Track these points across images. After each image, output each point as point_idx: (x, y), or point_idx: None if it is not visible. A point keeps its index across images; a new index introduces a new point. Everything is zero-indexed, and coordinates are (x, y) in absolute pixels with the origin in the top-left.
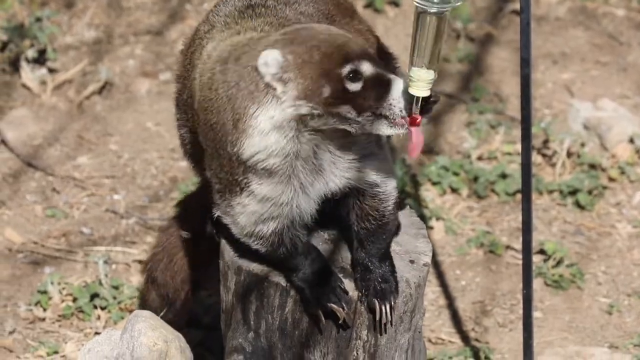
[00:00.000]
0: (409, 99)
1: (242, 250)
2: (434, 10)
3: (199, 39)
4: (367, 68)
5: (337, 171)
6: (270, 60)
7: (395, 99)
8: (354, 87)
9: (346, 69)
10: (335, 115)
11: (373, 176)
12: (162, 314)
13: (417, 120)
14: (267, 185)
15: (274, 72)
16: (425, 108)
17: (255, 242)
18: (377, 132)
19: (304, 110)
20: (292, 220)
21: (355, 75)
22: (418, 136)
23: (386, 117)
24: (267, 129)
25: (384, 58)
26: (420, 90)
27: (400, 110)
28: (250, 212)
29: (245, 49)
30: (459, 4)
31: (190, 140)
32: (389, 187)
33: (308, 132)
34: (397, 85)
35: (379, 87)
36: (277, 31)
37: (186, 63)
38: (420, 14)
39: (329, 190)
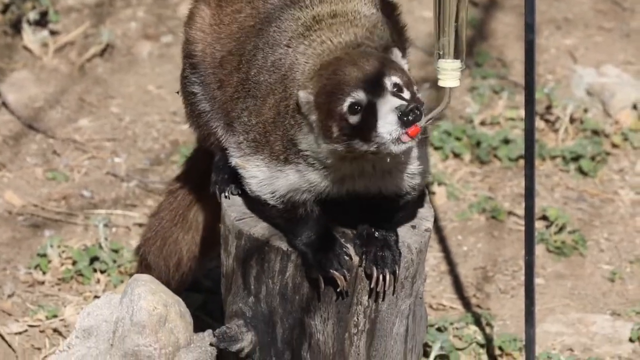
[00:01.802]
0: (401, 108)
1: (253, 204)
2: None
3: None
4: (361, 97)
5: (381, 181)
6: (300, 100)
7: (381, 126)
8: (356, 119)
9: (346, 105)
10: (353, 149)
11: (420, 178)
12: None
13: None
14: (311, 172)
15: (304, 112)
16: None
17: (275, 199)
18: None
19: (331, 147)
20: (317, 195)
21: (355, 108)
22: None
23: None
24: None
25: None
26: (449, 81)
27: (389, 133)
28: (285, 181)
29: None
30: None
31: (215, 112)
32: (425, 182)
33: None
34: (384, 109)
35: (372, 115)
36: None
37: (241, 37)
38: None
39: (363, 192)
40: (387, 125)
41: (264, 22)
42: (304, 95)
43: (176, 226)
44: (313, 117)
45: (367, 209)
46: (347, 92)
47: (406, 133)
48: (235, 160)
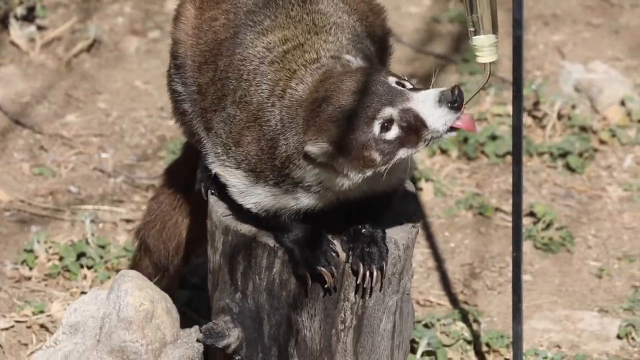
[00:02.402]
0: (446, 96)
1: (235, 207)
2: None
3: (245, 25)
4: (388, 111)
5: (374, 185)
6: (313, 154)
7: (433, 122)
8: (394, 133)
9: (377, 128)
10: (398, 161)
11: (404, 172)
12: (155, 280)
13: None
14: (309, 197)
15: (324, 161)
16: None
17: (257, 209)
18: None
19: (368, 172)
20: (307, 210)
21: (387, 125)
22: (466, 120)
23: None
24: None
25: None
26: (487, 56)
27: (444, 124)
28: (270, 199)
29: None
30: None
31: (196, 114)
32: (409, 175)
33: None
34: (425, 106)
35: (414, 118)
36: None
37: (212, 49)
38: None
39: (355, 197)
40: (440, 118)
41: (232, 39)
42: (316, 148)
43: (175, 210)
44: (340, 160)
45: (355, 209)
46: (371, 115)
47: (459, 117)
48: (215, 168)
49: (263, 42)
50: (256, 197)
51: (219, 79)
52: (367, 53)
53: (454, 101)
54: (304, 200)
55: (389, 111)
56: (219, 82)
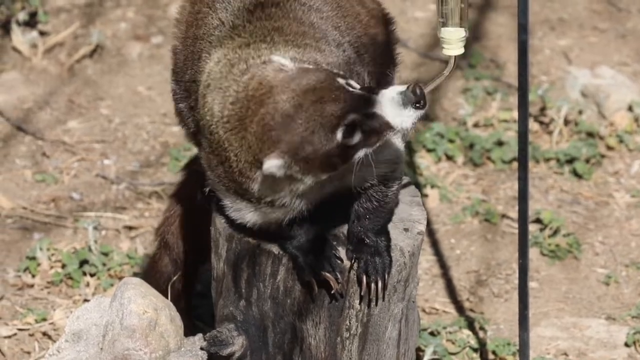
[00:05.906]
0: (409, 98)
1: (234, 222)
2: None
3: (207, 32)
4: (354, 117)
5: (353, 176)
6: (271, 170)
7: (400, 123)
8: (357, 138)
9: (339, 136)
10: (357, 161)
11: (387, 167)
12: (174, 279)
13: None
14: (276, 211)
15: (282, 173)
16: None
17: (246, 224)
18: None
19: (324, 177)
20: (288, 220)
21: (350, 131)
22: None
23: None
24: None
25: (384, 53)
26: (453, 49)
27: (411, 124)
28: (251, 215)
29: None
30: None
31: (188, 113)
32: (397, 172)
33: None
34: (390, 109)
35: (377, 122)
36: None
37: (190, 46)
38: None
39: (341, 190)
40: (407, 118)
41: (202, 40)
42: (275, 162)
43: (194, 206)
44: (298, 169)
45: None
46: (335, 123)
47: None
48: (209, 184)
49: (210, 62)
50: (241, 212)
51: (193, 81)
52: (394, 65)
53: (418, 101)
54: (275, 215)
55: (352, 117)
56: (194, 85)
